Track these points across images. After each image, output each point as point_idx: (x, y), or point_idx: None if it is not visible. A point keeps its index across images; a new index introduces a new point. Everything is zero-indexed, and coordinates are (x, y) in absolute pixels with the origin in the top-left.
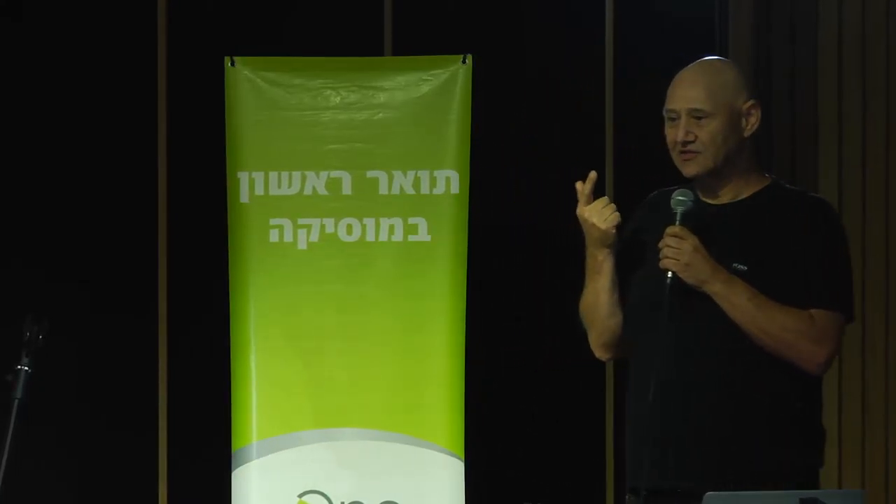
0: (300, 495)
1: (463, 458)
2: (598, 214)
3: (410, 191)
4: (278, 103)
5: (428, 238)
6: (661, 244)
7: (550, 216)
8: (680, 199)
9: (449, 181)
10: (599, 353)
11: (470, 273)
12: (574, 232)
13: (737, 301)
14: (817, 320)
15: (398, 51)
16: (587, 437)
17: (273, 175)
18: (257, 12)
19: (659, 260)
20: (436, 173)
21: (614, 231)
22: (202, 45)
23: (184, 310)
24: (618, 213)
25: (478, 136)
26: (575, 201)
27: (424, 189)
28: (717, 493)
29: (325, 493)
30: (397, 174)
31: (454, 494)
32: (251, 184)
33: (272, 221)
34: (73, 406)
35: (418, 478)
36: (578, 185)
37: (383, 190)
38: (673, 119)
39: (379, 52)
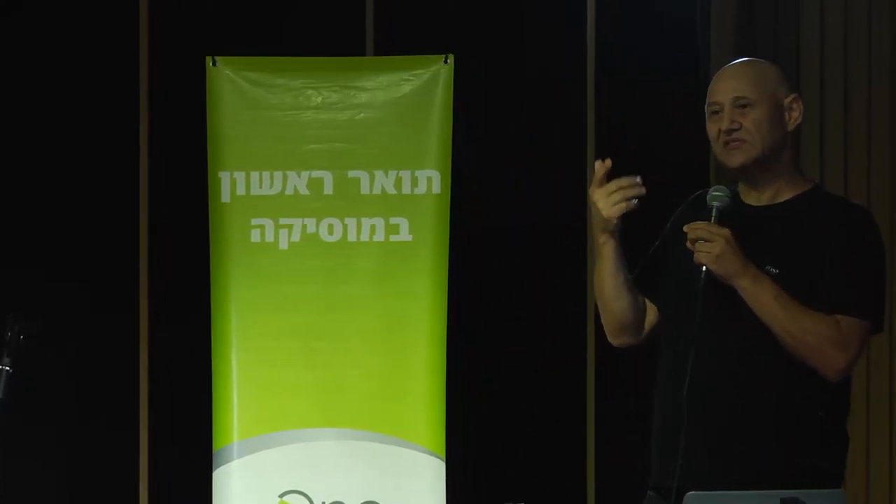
0: (281, 495)
1: (444, 458)
2: (605, 199)
3: (392, 191)
4: (260, 103)
5: (409, 238)
6: (692, 234)
7: (548, 216)
8: (716, 195)
9: (430, 181)
10: (611, 338)
11: (459, 273)
12: (571, 232)
13: (763, 299)
14: (843, 326)
15: (380, 51)
16: (568, 437)
17: (254, 175)
18: (239, 12)
19: (693, 255)
20: (417, 173)
21: (616, 220)
22: (184, 45)
23: (165, 310)
24: (624, 204)
25: (473, 135)
26: (572, 201)
27: (406, 189)
28: (697, 492)
29: (307, 493)
30: (379, 174)
31: (435, 495)
32: (232, 184)
33: (253, 221)
34: (55, 404)
35: (399, 478)
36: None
37: (365, 190)
38: (716, 112)
39: (361, 53)
